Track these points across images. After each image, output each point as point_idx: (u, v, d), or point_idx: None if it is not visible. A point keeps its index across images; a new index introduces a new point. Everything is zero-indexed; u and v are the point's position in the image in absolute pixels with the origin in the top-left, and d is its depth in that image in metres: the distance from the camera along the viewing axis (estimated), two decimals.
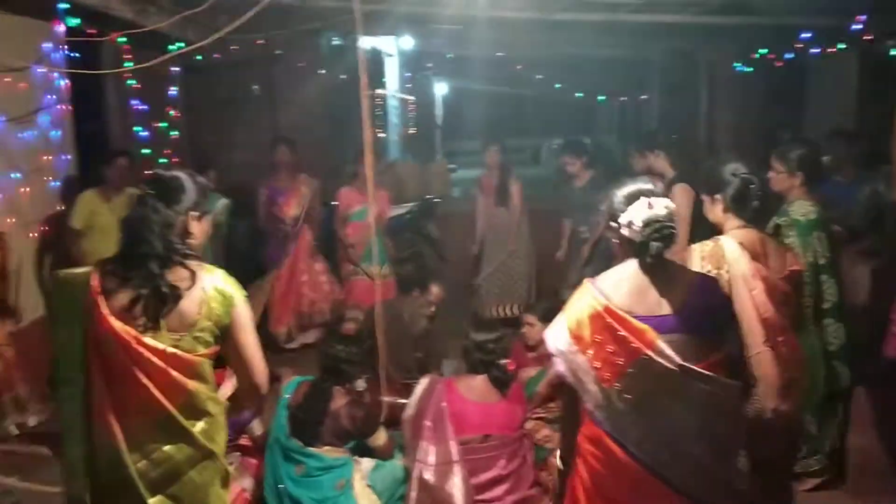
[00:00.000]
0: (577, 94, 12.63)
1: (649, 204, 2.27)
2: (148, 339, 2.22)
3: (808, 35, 6.65)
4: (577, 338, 2.30)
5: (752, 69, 8.07)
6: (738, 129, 8.25)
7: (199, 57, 6.44)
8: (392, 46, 10.65)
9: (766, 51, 7.60)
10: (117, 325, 2.19)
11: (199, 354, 2.30)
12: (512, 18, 6.00)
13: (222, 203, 5.96)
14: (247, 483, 3.74)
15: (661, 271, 2.32)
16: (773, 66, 7.86)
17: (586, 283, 2.38)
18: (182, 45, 6.18)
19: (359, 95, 9.36)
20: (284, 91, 8.19)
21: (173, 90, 7.03)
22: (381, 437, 3.77)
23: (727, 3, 5.46)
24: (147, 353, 2.20)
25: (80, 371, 2.24)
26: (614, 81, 11.91)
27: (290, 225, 6.15)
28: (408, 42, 9.83)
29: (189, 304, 2.28)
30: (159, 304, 2.24)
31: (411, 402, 3.76)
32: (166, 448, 2.27)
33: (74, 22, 5.44)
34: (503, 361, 3.67)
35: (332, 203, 7.52)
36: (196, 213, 2.44)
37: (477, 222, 6.63)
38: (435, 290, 4.97)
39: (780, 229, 3.61)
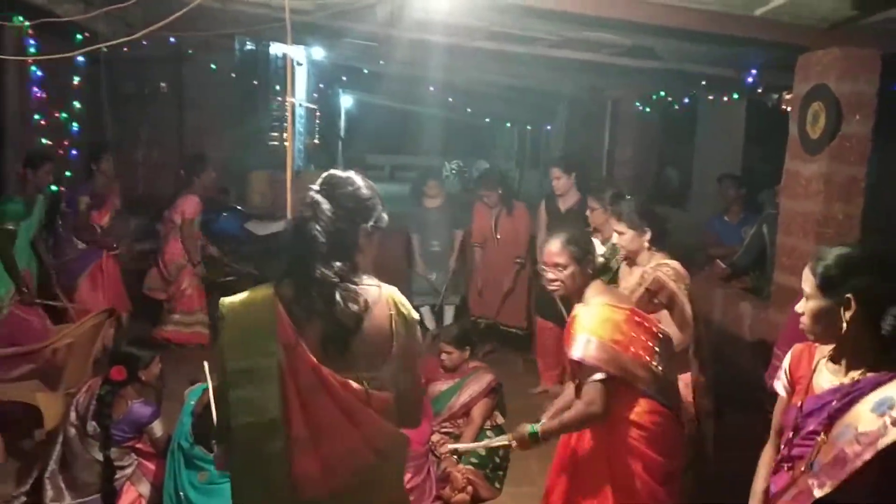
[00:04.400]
0: (485, 120, 12.93)
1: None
2: (349, 381, 1.95)
3: (704, 83, 7.10)
4: (615, 342, 2.78)
5: (650, 109, 8.51)
6: (636, 164, 8.67)
7: (104, 49, 6.22)
8: (302, 56, 10.63)
9: (664, 94, 8.05)
10: (313, 368, 1.91)
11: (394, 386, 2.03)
12: (429, 41, 6.12)
13: (39, 200, 5.47)
14: (144, 489, 3.65)
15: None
16: (670, 109, 8.33)
17: (597, 302, 2.89)
18: (87, 34, 6.02)
19: (266, 102, 9.29)
20: (193, 91, 8.01)
21: (77, 81, 6.76)
22: None
23: (636, 47, 5.77)
24: (350, 396, 1.93)
25: (259, 416, 1.89)
26: (523, 111, 12.26)
27: (101, 235, 5.91)
28: (318, 52, 9.84)
29: (379, 329, 1.99)
30: (346, 335, 1.94)
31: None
32: (365, 496, 2.01)
33: None
34: None
35: (237, 207, 7.43)
36: (370, 225, 2.09)
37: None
38: None
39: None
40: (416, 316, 2.07)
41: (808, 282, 2.08)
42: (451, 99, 10.80)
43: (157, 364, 3.81)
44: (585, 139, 9.54)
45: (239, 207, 7.66)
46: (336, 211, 1.99)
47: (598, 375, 2.72)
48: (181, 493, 3.48)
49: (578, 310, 2.91)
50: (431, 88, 9.72)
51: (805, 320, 2.09)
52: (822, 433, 2.02)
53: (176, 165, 7.91)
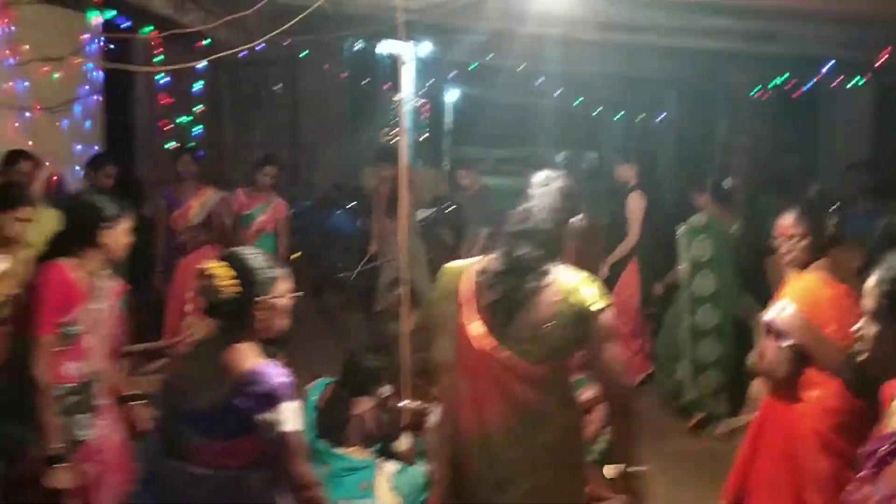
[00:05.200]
0: (594, 111, 12.76)
1: None
2: (501, 348, 2.21)
3: (829, 65, 6.74)
4: (813, 315, 2.77)
5: (768, 96, 8.15)
6: (752, 153, 8.34)
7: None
8: (411, 52, 10.75)
9: (783, 79, 7.68)
10: (474, 331, 2.23)
11: (549, 364, 2.23)
12: (539, 34, 6.08)
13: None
14: None
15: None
16: (790, 95, 7.94)
17: (811, 275, 2.87)
18: (209, 41, 6.28)
19: (376, 99, 9.39)
20: (306, 92, 8.25)
21: (199, 85, 7.08)
22: (404, 442, 3.84)
23: (753, 31, 5.54)
24: (499, 362, 2.21)
25: (444, 358, 2.35)
26: (633, 100, 12.00)
27: (183, 236, 5.71)
28: (426, 49, 9.91)
29: (542, 311, 2.20)
30: (512, 310, 2.21)
31: (436, 411, 3.83)
32: (511, 453, 2.24)
33: (109, 14, 5.51)
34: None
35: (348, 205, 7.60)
36: (575, 220, 2.37)
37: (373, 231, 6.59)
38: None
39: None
40: (593, 308, 2.20)
41: (871, 297, 1.64)
42: (559, 90, 10.69)
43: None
44: (699, 128, 9.26)
45: (351, 205, 7.85)
46: (554, 205, 2.29)
47: (786, 342, 2.79)
48: None
49: (792, 278, 2.95)
50: (540, 80, 9.64)
51: (865, 347, 1.69)
52: (870, 482, 1.67)
53: (290, 165, 8.17)
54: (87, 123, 5.57)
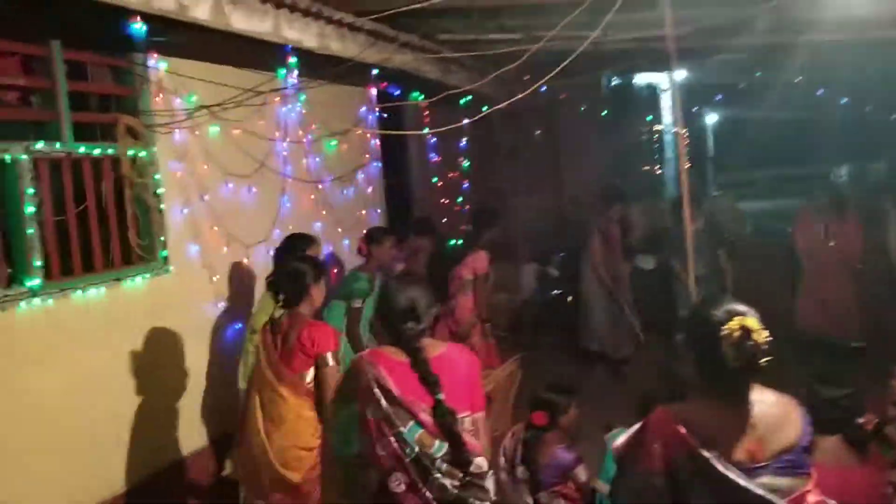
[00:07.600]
0: (890, 117, 11.55)
1: None
2: None
3: None
4: None
5: None
6: None
7: (484, 108, 6.62)
8: (666, 81, 10.43)
9: None
10: None
11: None
12: (815, 42, 5.58)
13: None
14: None
15: None
16: None
17: None
18: (471, 98, 6.49)
19: (636, 133, 9.17)
20: (566, 134, 8.25)
21: (463, 141, 7.34)
22: None
23: None
24: None
25: None
26: None
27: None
28: (681, 75, 9.55)
29: None
30: None
31: None
32: None
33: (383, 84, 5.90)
34: (860, 420, 3.31)
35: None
36: None
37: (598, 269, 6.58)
38: None
39: None
40: None
41: None
42: (845, 100, 9.75)
43: (574, 409, 3.85)
44: None
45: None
46: None
47: None
48: None
49: None
50: (820, 92, 8.86)
51: None
52: None
53: (555, 209, 8.15)
54: (369, 189, 5.97)
